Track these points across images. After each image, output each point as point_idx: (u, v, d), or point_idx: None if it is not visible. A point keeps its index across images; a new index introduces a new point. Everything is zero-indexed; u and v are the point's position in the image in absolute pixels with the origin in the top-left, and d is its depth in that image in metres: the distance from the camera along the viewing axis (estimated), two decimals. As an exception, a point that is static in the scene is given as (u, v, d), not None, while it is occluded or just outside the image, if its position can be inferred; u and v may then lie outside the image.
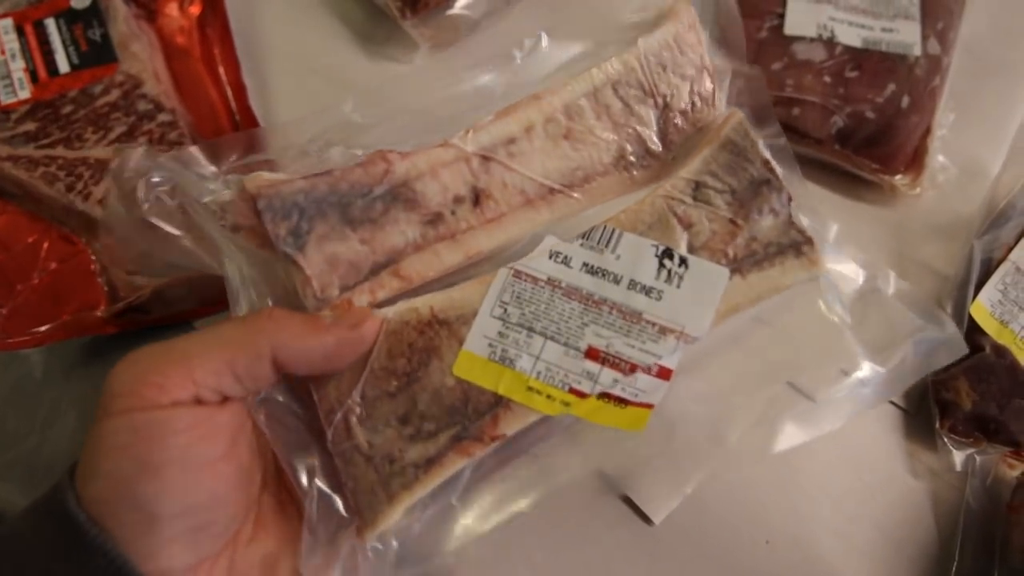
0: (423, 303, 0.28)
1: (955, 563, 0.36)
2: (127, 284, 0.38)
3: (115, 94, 0.41)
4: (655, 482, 0.36)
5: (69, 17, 0.43)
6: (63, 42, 0.42)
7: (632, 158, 0.32)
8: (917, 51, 0.44)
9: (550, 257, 0.29)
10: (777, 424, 0.31)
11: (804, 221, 0.30)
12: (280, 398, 0.27)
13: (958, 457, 0.37)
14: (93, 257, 0.40)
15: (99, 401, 0.23)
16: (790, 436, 0.31)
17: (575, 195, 0.31)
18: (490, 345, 0.28)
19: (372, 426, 0.27)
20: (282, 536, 0.27)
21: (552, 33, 0.32)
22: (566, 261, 0.29)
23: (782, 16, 0.45)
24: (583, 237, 0.29)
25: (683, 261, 0.29)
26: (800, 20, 0.45)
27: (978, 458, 0.37)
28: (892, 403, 0.39)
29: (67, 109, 0.41)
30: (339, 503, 0.27)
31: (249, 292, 0.27)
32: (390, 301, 0.29)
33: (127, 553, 0.22)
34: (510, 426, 0.28)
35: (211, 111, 0.44)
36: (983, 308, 0.39)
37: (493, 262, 0.30)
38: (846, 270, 0.32)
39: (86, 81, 0.42)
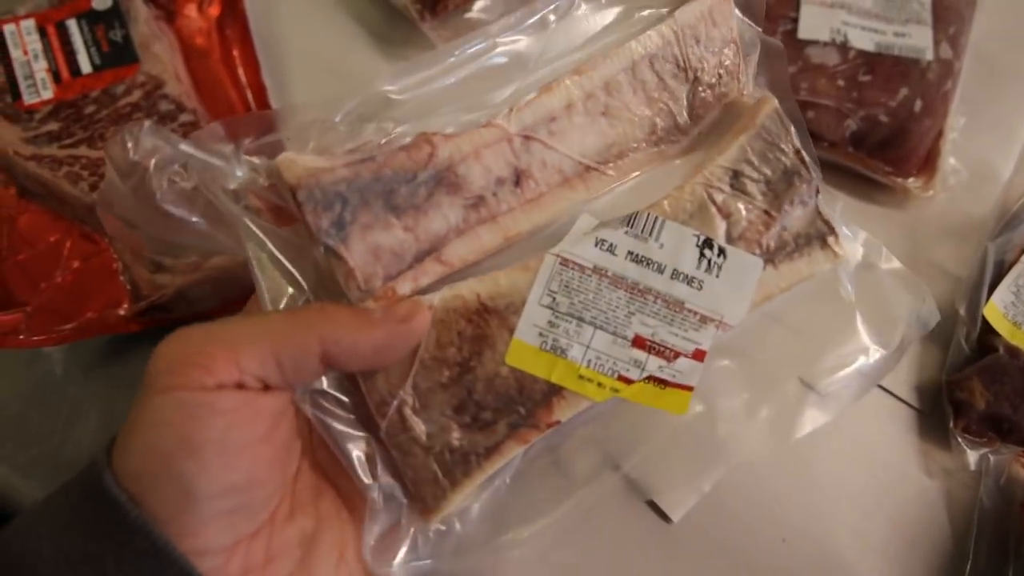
0: (468, 290, 0.28)
1: (969, 562, 0.36)
2: (149, 283, 0.39)
3: (137, 94, 0.42)
4: (673, 480, 0.37)
5: (91, 18, 0.43)
6: (85, 43, 0.43)
7: (661, 133, 0.31)
8: (929, 55, 0.44)
9: (595, 244, 0.29)
10: (801, 409, 0.32)
11: (828, 211, 0.31)
12: (327, 388, 0.27)
13: (972, 457, 0.38)
14: (115, 256, 0.40)
15: (144, 376, 0.23)
16: (806, 423, 0.32)
17: (609, 171, 0.31)
18: (541, 334, 0.28)
19: (427, 416, 0.27)
20: (318, 514, 0.27)
21: None
22: (611, 249, 0.29)
23: (796, 20, 0.45)
24: (627, 224, 0.29)
25: (722, 251, 0.29)
26: (814, 24, 0.45)
27: (992, 458, 0.38)
28: (906, 403, 0.40)
29: (90, 109, 0.41)
30: (398, 490, 0.28)
31: (273, 276, 0.26)
32: (432, 287, 0.28)
33: (166, 533, 0.22)
34: (564, 413, 0.28)
35: (231, 112, 0.44)
36: (996, 310, 0.39)
37: (530, 243, 0.30)
38: (849, 247, 0.32)
39: (108, 81, 0.42)
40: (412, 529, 0.28)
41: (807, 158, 0.31)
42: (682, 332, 0.29)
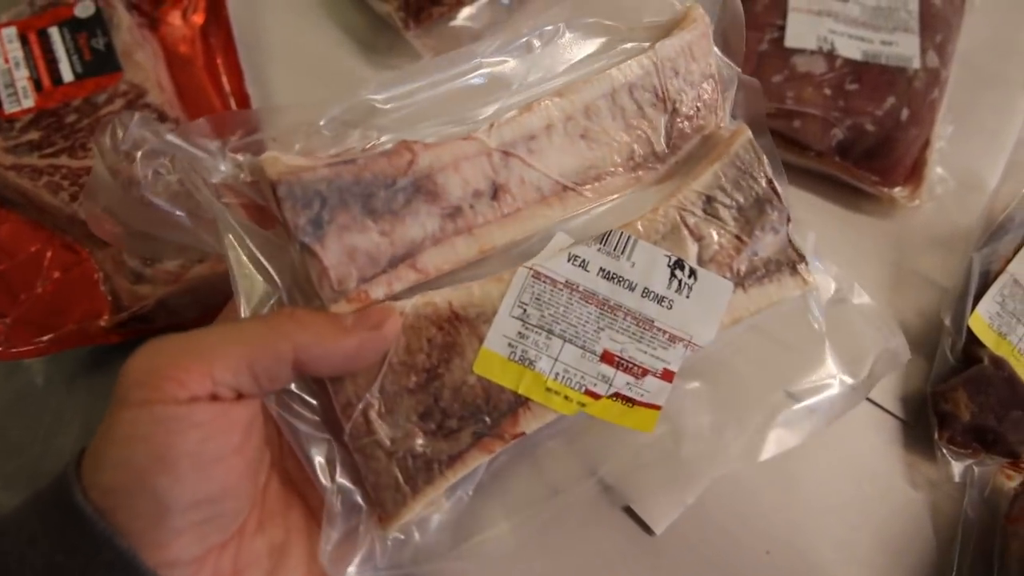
0: (441, 298, 0.28)
1: (953, 574, 0.36)
2: (130, 293, 0.38)
3: (119, 103, 0.41)
4: (656, 492, 0.37)
5: (73, 26, 0.43)
6: (67, 51, 0.43)
7: (639, 159, 0.32)
8: (916, 64, 0.44)
9: (568, 260, 0.29)
10: (767, 432, 0.32)
11: (799, 239, 0.32)
12: (294, 389, 0.27)
13: (956, 468, 0.38)
14: (96, 266, 0.40)
15: (115, 389, 0.23)
16: (772, 446, 0.32)
17: (586, 193, 0.31)
18: (510, 345, 0.28)
19: (392, 421, 0.27)
20: (287, 526, 0.27)
21: (571, 26, 0.32)
22: (583, 265, 0.29)
23: (783, 28, 0.45)
24: (600, 242, 0.29)
25: (693, 273, 0.30)
26: (801, 32, 0.45)
27: (976, 469, 0.38)
28: (892, 414, 0.40)
29: (71, 118, 0.41)
30: (358, 495, 0.27)
31: (250, 273, 0.26)
32: (406, 293, 0.28)
33: (135, 546, 0.22)
34: (530, 425, 0.28)
35: (214, 120, 0.44)
36: (981, 320, 0.39)
37: (505, 256, 0.30)
38: (821, 280, 0.33)
39: (90, 90, 0.42)
40: (370, 536, 0.27)
41: (779, 189, 0.31)
42: (651, 350, 0.29)
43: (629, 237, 0.30)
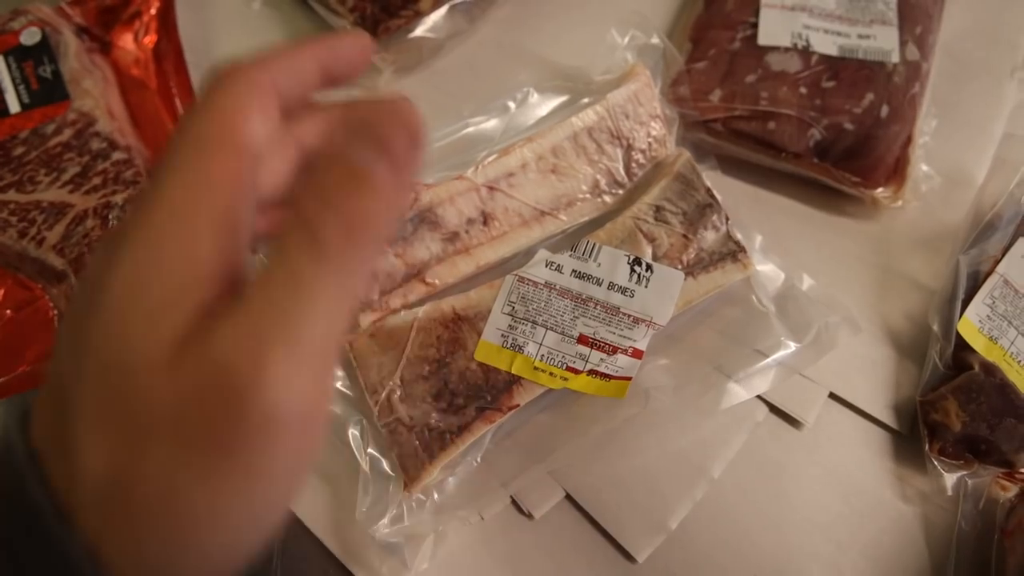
0: (446, 304, 0.36)
1: (949, 590, 0.35)
2: (85, 332, 0.37)
3: (67, 133, 0.40)
4: (637, 519, 0.35)
5: (19, 54, 0.42)
6: (13, 81, 0.41)
7: (604, 186, 0.39)
8: (895, 57, 0.42)
9: (546, 266, 0.36)
10: (727, 385, 0.37)
11: (738, 234, 0.38)
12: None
13: (949, 480, 0.36)
14: (51, 304, 0.38)
15: None
16: (728, 399, 0.37)
17: (561, 216, 0.38)
18: (502, 335, 0.35)
19: (411, 403, 0.34)
20: None
21: (538, 88, 0.41)
22: (559, 269, 0.36)
23: (755, 26, 0.44)
24: (571, 250, 0.36)
25: (649, 267, 0.36)
26: (774, 29, 0.43)
27: (969, 481, 0.36)
28: (881, 423, 0.38)
29: (19, 151, 0.40)
30: (385, 464, 0.34)
31: None
32: (418, 302, 0.36)
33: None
34: (523, 398, 0.35)
35: (170, 145, 0.42)
36: (971, 324, 0.37)
37: (497, 270, 0.38)
38: (770, 272, 0.39)
39: (38, 121, 0.40)
40: (398, 498, 0.34)
41: (716, 196, 0.38)
42: (618, 331, 0.35)
43: (595, 244, 0.36)
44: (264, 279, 0.16)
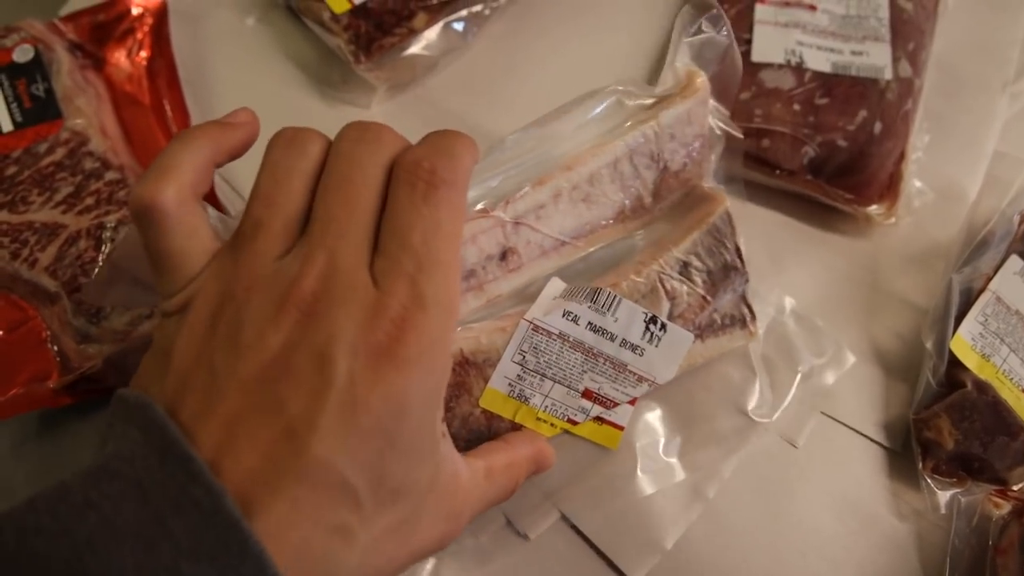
0: (454, 346, 0.33)
1: (942, 609, 0.35)
2: (78, 353, 0.37)
3: (60, 152, 0.40)
4: (633, 540, 0.35)
5: (11, 72, 0.42)
6: (6, 99, 0.41)
7: (628, 212, 0.36)
8: (888, 74, 0.42)
9: (563, 315, 0.34)
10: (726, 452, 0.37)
11: (752, 301, 0.37)
12: None
13: (942, 498, 0.36)
14: (44, 325, 0.38)
15: None
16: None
17: (580, 244, 0.36)
18: (510, 385, 0.34)
19: None
20: None
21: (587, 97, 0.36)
22: (575, 320, 0.34)
23: (749, 43, 0.44)
24: (591, 300, 0.34)
25: (663, 326, 0.35)
26: (767, 46, 0.44)
27: (963, 499, 0.36)
28: (875, 441, 0.38)
29: (11, 171, 0.39)
30: None
31: None
32: None
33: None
34: None
35: (163, 163, 0.42)
36: (964, 342, 0.37)
37: (506, 301, 0.35)
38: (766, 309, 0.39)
39: (30, 140, 0.40)
40: None
41: (743, 255, 0.36)
42: (622, 388, 0.35)
43: (616, 297, 0.34)
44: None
